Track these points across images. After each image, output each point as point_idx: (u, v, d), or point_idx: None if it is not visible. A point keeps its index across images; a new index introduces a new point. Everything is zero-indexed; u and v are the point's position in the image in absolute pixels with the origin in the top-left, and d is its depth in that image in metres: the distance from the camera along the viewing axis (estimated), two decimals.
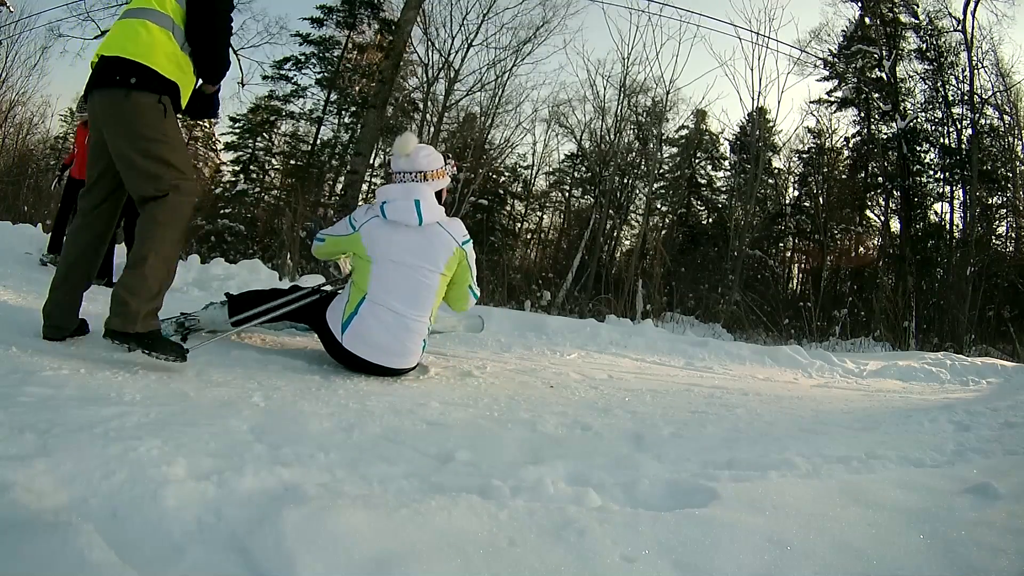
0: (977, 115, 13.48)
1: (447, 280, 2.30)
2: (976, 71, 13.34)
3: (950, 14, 13.69)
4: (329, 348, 2.25)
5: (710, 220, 17.92)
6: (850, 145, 15.83)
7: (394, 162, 2.33)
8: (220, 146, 16.98)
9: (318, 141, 16.55)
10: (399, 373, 2.28)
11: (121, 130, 1.84)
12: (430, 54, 15.06)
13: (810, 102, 16.09)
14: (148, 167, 1.83)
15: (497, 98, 15.82)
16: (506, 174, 17.89)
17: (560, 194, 19.10)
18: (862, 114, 15.39)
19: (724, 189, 18.11)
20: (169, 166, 1.85)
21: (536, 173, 18.40)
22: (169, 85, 1.87)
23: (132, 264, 1.80)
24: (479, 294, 2.43)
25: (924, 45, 14.27)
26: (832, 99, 15.90)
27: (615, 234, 16.80)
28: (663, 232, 16.29)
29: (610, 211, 15.86)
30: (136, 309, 1.74)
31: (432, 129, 15.27)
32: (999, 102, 13.39)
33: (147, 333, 1.76)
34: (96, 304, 2.12)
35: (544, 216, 19.35)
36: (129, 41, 1.85)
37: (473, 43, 14.89)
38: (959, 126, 13.98)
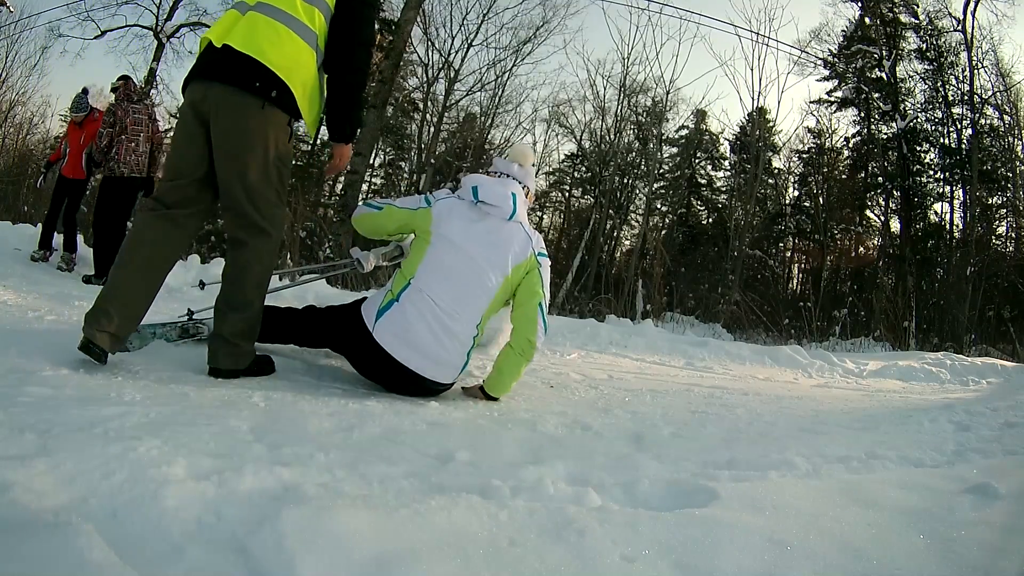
0: (977, 115, 13.49)
1: (509, 288, 2.00)
2: (976, 71, 13.38)
3: (950, 14, 13.73)
4: (355, 347, 1.96)
5: (710, 220, 17.92)
6: (850, 145, 15.85)
7: (502, 163, 2.16)
8: None
9: (318, 141, 16.54)
10: (431, 389, 1.96)
11: (249, 142, 1.72)
12: (430, 54, 15.11)
13: (810, 102, 16.14)
14: (262, 189, 1.76)
15: (497, 98, 15.87)
16: None
17: (560, 194, 19.13)
18: (862, 114, 15.40)
19: (724, 189, 18.12)
20: (278, 194, 1.81)
21: (536, 173, 18.41)
22: (297, 112, 1.78)
23: (239, 308, 1.81)
24: (548, 327, 2.07)
25: (924, 45, 14.28)
26: (832, 99, 15.91)
27: (615, 234, 16.82)
28: (663, 232, 16.30)
29: (610, 211, 15.87)
30: (247, 350, 1.85)
31: (432, 129, 15.28)
32: (999, 102, 13.42)
33: (252, 362, 1.87)
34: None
35: (544, 216, 19.37)
36: (272, 47, 1.70)
37: (473, 43, 14.94)
38: (959, 126, 13.99)
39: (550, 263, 2.13)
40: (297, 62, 1.73)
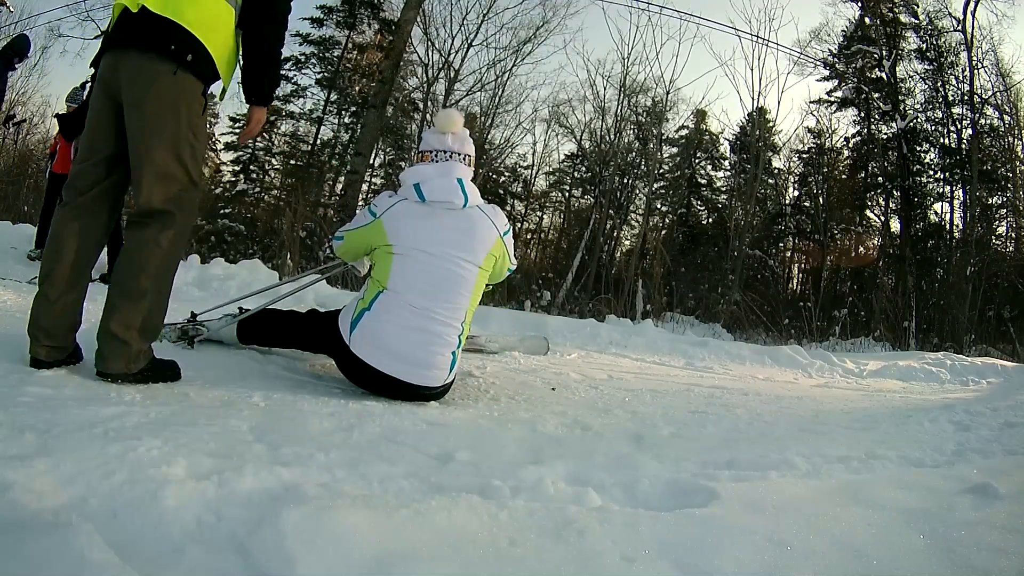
0: (977, 115, 13.48)
1: (485, 276, 1.97)
2: (976, 71, 13.35)
3: (950, 14, 13.70)
4: (339, 359, 1.93)
5: (710, 220, 17.91)
6: (850, 145, 15.82)
7: (434, 138, 1.99)
8: (220, 146, 16.95)
9: (318, 141, 16.53)
10: (421, 395, 1.87)
11: (158, 114, 1.56)
12: (430, 54, 15.07)
13: (810, 102, 16.07)
14: (168, 166, 1.59)
15: (497, 98, 15.83)
16: (506, 174, 17.89)
17: (560, 194, 19.10)
18: (862, 114, 15.38)
19: (724, 189, 18.10)
20: (187, 173, 1.63)
21: (536, 173, 18.38)
22: (214, 78, 1.62)
23: (130, 297, 1.58)
24: (515, 266, 2.14)
25: (924, 45, 14.26)
26: (832, 99, 15.88)
27: (615, 234, 16.79)
28: (663, 232, 16.28)
29: (610, 211, 15.86)
30: (138, 349, 1.60)
31: None
32: (999, 102, 13.39)
33: (146, 366, 1.63)
34: (96, 303, 2.11)
35: (544, 216, 19.35)
36: (190, 5, 1.56)
37: (473, 43, 14.90)
38: (959, 126, 13.97)
39: (512, 232, 2.06)
40: (216, 19, 1.60)
